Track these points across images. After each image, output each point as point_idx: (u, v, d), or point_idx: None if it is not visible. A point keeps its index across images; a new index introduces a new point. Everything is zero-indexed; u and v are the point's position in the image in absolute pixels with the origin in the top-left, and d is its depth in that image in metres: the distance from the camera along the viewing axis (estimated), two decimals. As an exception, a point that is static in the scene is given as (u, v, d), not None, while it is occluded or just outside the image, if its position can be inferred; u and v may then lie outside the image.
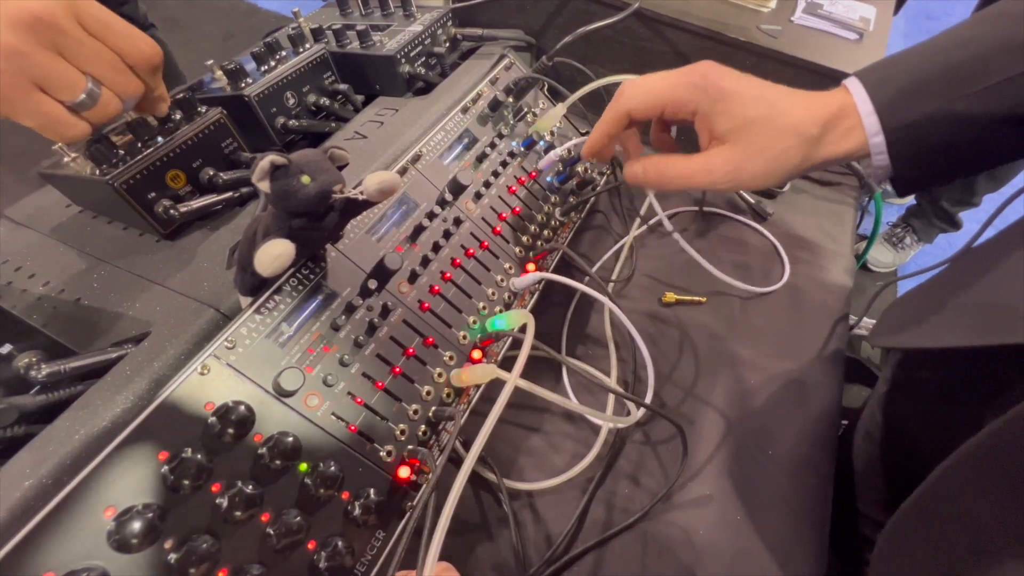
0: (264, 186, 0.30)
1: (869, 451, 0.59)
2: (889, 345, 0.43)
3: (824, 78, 0.58)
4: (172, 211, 0.43)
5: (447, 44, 0.62)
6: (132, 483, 0.28)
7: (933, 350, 0.45)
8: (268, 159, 0.29)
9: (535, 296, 0.50)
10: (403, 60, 0.56)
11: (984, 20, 0.34)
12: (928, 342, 0.38)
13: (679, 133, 0.47)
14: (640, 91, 0.39)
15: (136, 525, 0.26)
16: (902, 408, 0.54)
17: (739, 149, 0.36)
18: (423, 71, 0.59)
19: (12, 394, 0.32)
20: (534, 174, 0.54)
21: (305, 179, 0.30)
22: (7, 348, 0.32)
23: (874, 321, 0.50)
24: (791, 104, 0.36)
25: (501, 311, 0.46)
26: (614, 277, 0.61)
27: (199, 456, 0.29)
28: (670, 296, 0.60)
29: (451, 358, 0.42)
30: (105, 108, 0.33)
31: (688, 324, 0.59)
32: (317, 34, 0.58)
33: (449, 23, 0.63)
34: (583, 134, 0.60)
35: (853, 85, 0.35)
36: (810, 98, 0.36)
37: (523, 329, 0.38)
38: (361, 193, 0.32)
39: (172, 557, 0.27)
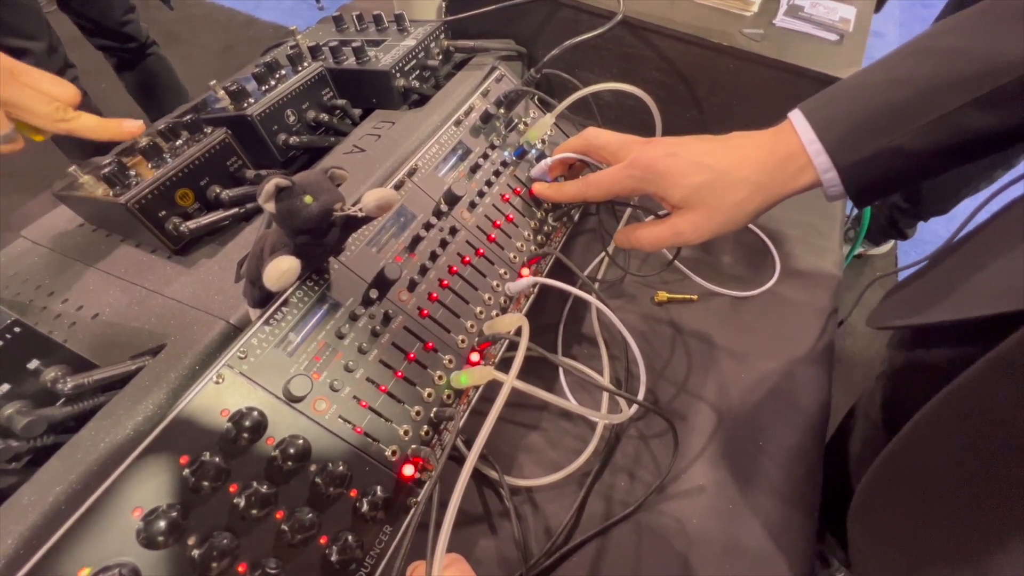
0: (270, 207, 0.32)
1: (866, 432, 0.61)
2: (892, 325, 0.46)
3: (805, 79, 0.60)
4: (182, 228, 0.45)
5: (440, 57, 0.64)
6: (156, 485, 0.30)
7: (933, 329, 0.47)
8: (273, 182, 0.31)
9: (530, 300, 0.52)
10: (398, 74, 0.58)
11: (916, 55, 0.37)
12: (934, 317, 0.40)
13: None
14: (595, 188, 0.46)
15: (162, 524, 0.28)
16: (900, 388, 0.56)
17: (697, 211, 0.40)
18: (418, 84, 0.61)
19: (40, 406, 0.35)
20: (533, 190, 0.56)
21: (308, 199, 0.32)
22: (34, 363, 0.34)
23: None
24: (734, 159, 0.40)
25: (497, 315, 0.48)
26: (599, 277, 0.63)
27: (217, 459, 0.31)
28: (662, 295, 0.62)
29: (450, 361, 0.44)
30: (10, 147, 0.43)
31: (680, 322, 0.61)
32: (314, 51, 0.60)
33: (442, 36, 0.65)
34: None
35: (800, 124, 0.38)
36: (753, 146, 0.40)
37: (519, 332, 0.40)
38: (360, 210, 0.34)
39: (195, 553, 0.29)
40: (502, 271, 0.51)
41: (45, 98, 0.43)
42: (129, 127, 0.46)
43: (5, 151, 0.43)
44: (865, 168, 0.37)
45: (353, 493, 0.37)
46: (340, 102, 0.59)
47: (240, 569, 0.31)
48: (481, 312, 0.48)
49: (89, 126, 0.45)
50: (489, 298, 0.49)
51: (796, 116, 0.39)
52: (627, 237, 0.45)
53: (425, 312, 0.44)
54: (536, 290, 0.53)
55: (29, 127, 0.43)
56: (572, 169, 0.54)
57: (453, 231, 0.49)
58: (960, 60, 0.34)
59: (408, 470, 0.39)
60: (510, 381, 0.35)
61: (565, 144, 0.50)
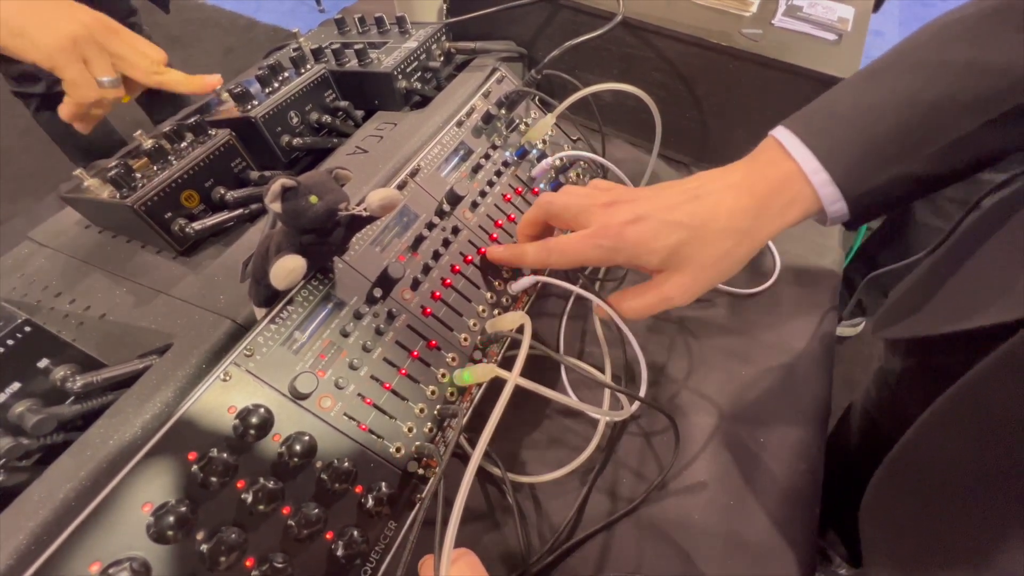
0: (276, 207, 0.33)
1: (865, 427, 0.62)
2: (899, 336, 0.44)
3: (804, 79, 0.60)
4: (188, 229, 0.46)
5: (442, 58, 0.64)
6: (166, 481, 0.30)
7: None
8: (279, 183, 0.32)
9: (532, 298, 0.53)
10: (400, 76, 0.59)
11: (920, 68, 0.34)
12: (940, 329, 0.39)
13: None
14: (558, 255, 0.40)
15: (171, 518, 0.29)
16: (896, 384, 0.56)
17: (683, 272, 0.36)
18: (419, 86, 0.61)
19: (50, 405, 0.35)
20: (536, 191, 0.56)
21: (313, 199, 0.33)
22: (44, 362, 0.35)
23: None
24: (707, 209, 0.35)
25: (499, 314, 0.49)
26: (600, 276, 0.64)
27: (225, 455, 0.32)
28: (663, 293, 0.62)
29: (453, 359, 0.45)
30: (115, 92, 0.51)
31: (681, 320, 0.61)
32: (317, 54, 0.61)
33: (443, 38, 0.66)
34: (574, 141, 0.63)
35: (798, 152, 0.35)
36: (725, 189, 0.36)
37: (521, 330, 0.40)
38: (365, 210, 0.35)
39: (204, 547, 0.30)
40: (504, 270, 0.51)
41: (144, 54, 0.50)
42: (211, 81, 0.53)
43: (111, 96, 0.50)
44: (875, 195, 0.34)
45: (358, 489, 0.37)
46: (343, 104, 0.60)
47: (248, 563, 0.32)
48: (483, 310, 0.48)
49: (178, 79, 0.52)
50: (491, 296, 0.49)
51: (789, 140, 0.35)
52: (613, 306, 0.41)
53: (428, 311, 0.45)
54: (538, 288, 0.53)
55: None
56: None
57: (455, 230, 0.49)
58: (974, 76, 0.32)
59: (412, 467, 0.40)
60: (513, 378, 0.36)
61: (523, 218, 0.46)
